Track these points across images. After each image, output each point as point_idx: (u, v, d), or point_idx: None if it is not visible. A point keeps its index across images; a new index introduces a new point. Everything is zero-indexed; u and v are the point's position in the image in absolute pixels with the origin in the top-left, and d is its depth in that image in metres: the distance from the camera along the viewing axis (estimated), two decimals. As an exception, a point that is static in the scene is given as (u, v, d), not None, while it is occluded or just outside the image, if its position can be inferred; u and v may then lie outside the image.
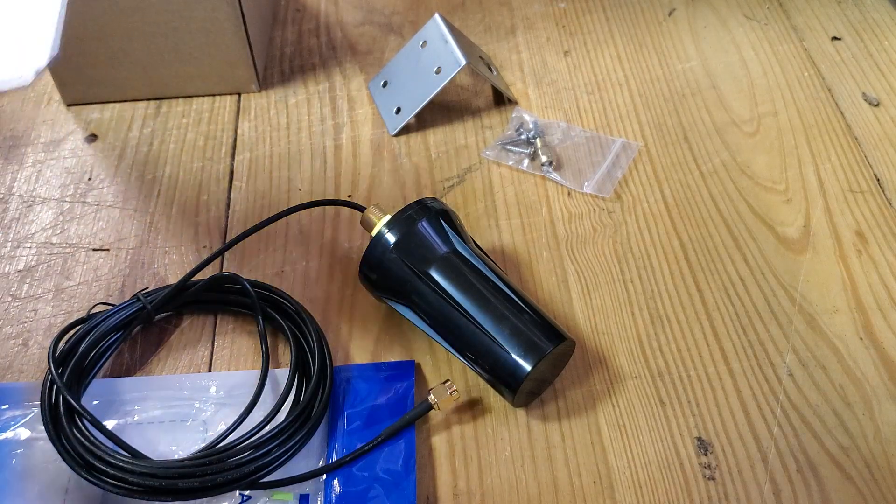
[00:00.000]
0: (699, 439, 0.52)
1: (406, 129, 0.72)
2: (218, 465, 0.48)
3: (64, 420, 0.50)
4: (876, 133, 0.70)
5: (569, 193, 0.67)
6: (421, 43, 0.73)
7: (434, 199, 0.57)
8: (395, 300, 0.56)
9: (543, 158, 0.68)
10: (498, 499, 0.50)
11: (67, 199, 0.68)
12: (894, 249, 0.62)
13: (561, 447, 0.52)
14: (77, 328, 0.55)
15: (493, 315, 0.52)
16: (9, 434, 0.52)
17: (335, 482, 0.50)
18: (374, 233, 0.56)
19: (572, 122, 0.72)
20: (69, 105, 0.75)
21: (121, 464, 0.48)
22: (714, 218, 0.65)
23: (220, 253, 0.59)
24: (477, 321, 0.52)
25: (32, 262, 0.63)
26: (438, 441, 0.53)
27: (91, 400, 0.54)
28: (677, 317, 0.59)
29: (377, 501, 0.49)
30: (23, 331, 0.59)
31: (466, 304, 0.52)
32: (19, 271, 0.63)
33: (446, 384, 0.53)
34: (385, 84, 0.75)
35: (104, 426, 0.50)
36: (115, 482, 0.48)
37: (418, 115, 0.72)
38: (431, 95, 0.70)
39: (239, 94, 0.76)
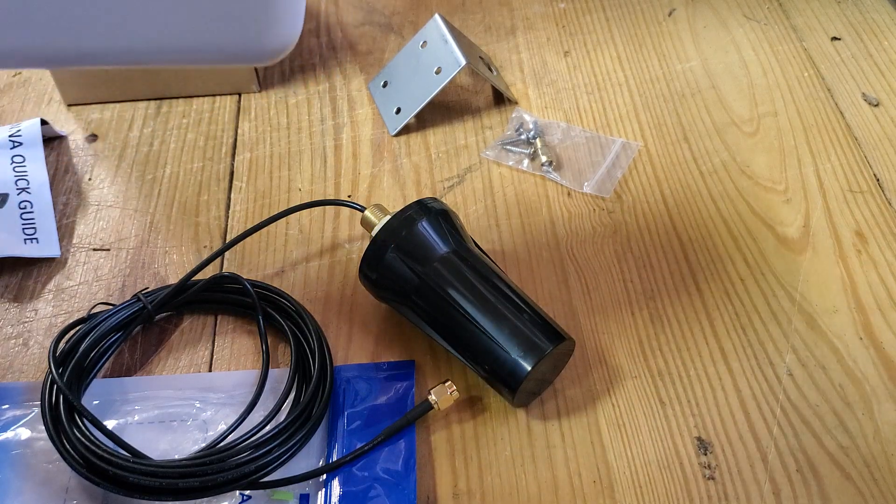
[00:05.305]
0: (699, 439, 0.52)
1: (406, 129, 0.72)
2: (218, 465, 0.48)
3: (64, 420, 0.50)
4: (876, 133, 0.70)
5: (569, 193, 0.67)
6: (421, 43, 0.73)
7: (434, 199, 0.57)
8: (395, 300, 0.56)
9: (543, 158, 0.68)
10: (498, 499, 0.50)
11: (67, 198, 0.68)
12: (894, 249, 0.62)
13: (561, 447, 0.52)
14: (77, 328, 0.55)
15: (493, 315, 0.52)
16: (9, 434, 0.52)
17: (335, 482, 0.50)
18: (374, 233, 0.56)
19: (572, 122, 0.72)
20: (69, 105, 0.75)
21: (121, 464, 0.48)
22: (714, 218, 0.65)
23: (220, 253, 0.59)
24: (477, 321, 0.52)
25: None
26: (438, 441, 0.53)
27: (91, 400, 0.54)
28: (677, 317, 0.59)
29: (377, 501, 0.49)
30: (23, 331, 0.59)
31: (466, 304, 0.52)
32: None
33: (446, 384, 0.53)
34: (385, 84, 0.75)
35: (104, 426, 0.50)
36: (115, 482, 0.48)
37: (418, 115, 0.72)
38: (431, 95, 0.70)
39: (239, 94, 0.76)
